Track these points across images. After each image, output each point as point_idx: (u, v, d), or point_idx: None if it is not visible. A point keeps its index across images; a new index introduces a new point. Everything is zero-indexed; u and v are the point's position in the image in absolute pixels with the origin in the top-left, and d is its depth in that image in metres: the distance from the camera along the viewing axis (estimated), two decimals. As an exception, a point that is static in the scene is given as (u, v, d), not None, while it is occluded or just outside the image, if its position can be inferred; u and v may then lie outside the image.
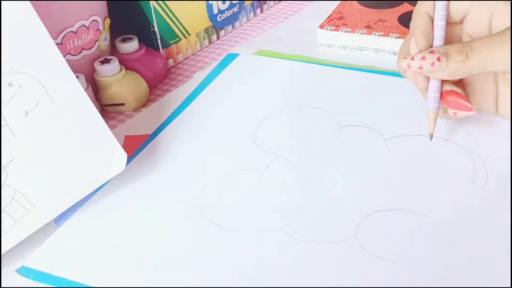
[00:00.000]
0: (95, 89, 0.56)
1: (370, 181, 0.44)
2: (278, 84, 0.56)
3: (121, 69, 0.56)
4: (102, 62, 0.55)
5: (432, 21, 0.45)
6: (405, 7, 0.63)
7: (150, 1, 0.58)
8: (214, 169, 0.47)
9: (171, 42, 0.62)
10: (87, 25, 0.55)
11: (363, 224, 0.41)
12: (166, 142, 0.51)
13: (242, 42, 0.66)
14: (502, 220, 0.39)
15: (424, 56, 0.43)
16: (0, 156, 0.42)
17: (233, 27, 0.69)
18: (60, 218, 0.44)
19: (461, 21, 0.45)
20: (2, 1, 0.42)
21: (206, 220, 0.42)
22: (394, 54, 0.59)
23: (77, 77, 0.45)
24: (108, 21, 0.58)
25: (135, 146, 0.51)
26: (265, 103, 0.54)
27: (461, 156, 0.45)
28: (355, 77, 0.56)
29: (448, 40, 0.45)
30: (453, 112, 0.45)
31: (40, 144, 0.43)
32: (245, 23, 0.70)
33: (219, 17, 0.66)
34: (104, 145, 0.45)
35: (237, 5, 0.68)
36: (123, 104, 0.56)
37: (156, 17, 0.60)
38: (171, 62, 0.63)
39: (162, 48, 0.61)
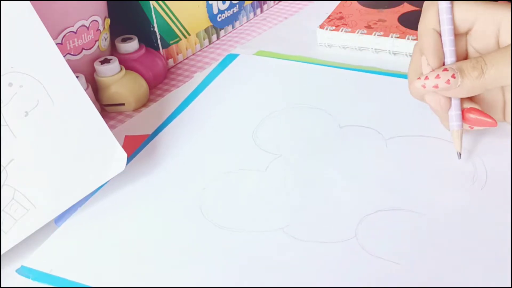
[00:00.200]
0: (95, 89, 0.56)
1: (370, 181, 0.44)
2: (278, 84, 0.56)
3: (121, 69, 0.56)
4: (102, 62, 0.55)
5: (440, 35, 0.44)
6: (405, 7, 0.63)
7: (150, 1, 0.58)
8: (214, 169, 0.47)
9: (171, 42, 0.62)
10: (87, 25, 0.55)
11: (363, 224, 0.41)
12: (166, 142, 0.51)
13: (242, 42, 0.66)
14: (502, 220, 0.39)
15: (438, 75, 0.42)
16: (0, 156, 0.42)
17: (233, 27, 0.69)
18: (60, 218, 0.44)
19: (466, 33, 0.44)
20: (2, 1, 0.42)
21: (206, 220, 0.42)
22: (394, 54, 0.59)
23: (77, 77, 0.45)
24: (108, 21, 0.58)
25: (135, 146, 0.51)
26: (265, 103, 0.54)
27: (461, 156, 0.45)
28: (355, 78, 0.56)
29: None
30: (470, 126, 0.44)
31: (40, 144, 0.43)
32: (245, 23, 0.70)
33: (219, 17, 0.66)
34: (104, 145, 0.45)
35: (237, 5, 0.68)
36: (123, 104, 0.56)
37: (156, 17, 0.60)
38: (171, 62, 0.63)
39: (162, 48, 0.61)
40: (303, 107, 0.52)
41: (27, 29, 0.43)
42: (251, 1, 0.70)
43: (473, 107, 0.43)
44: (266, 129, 0.51)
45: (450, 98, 0.43)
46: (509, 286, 0.36)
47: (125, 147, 0.48)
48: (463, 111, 0.44)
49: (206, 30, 0.65)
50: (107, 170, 0.45)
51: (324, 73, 0.57)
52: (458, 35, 0.44)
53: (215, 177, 0.46)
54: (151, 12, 0.59)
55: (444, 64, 0.43)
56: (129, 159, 0.48)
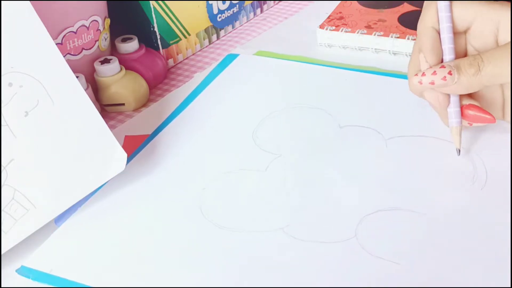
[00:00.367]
0: (95, 89, 0.56)
1: (370, 181, 0.44)
2: (278, 85, 0.56)
3: (121, 69, 0.56)
4: (102, 62, 0.55)
5: (439, 34, 0.44)
6: (405, 7, 0.63)
7: (150, 1, 0.58)
8: (214, 169, 0.47)
9: (171, 42, 0.62)
10: (87, 25, 0.55)
11: (363, 224, 0.41)
12: (166, 142, 0.51)
13: (242, 42, 0.66)
14: (502, 220, 0.40)
15: (435, 71, 0.42)
16: (0, 156, 0.42)
17: (233, 27, 0.69)
18: (60, 218, 0.44)
19: (465, 32, 0.45)
20: (2, 1, 0.42)
21: (206, 220, 0.42)
22: (394, 54, 0.59)
23: (77, 77, 0.45)
24: (108, 21, 0.58)
25: (135, 146, 0.51)
26: (265, 103, 0.54)
27: (461, 156, 0.45)
28: (355, 78, 0.56)
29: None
30: (469, 123, 0.44)
31: (40, 144, 0.43)
32: (245, 23, 0.70)
33: (219, 17, 0.66)
34: (104, 145, 0.45)
35: (237, 5, 0.68)
36: (123, 104, 0.56)
37: (156, 17, 0.60)
38: (171, 62, 0.63)
39: (162, 48, 0.61)
40: (303, 107, 0.52)
41: (27, 29, 0.43)
42: (251, 1, 0.70)
43: (472, 103, 0.44)
44: (266, 129, 0.51)
45: (448, 95, 0.44)
46: (509, 286, 0.36)
47: (125, 147, 0.48)
48: (462, 107, 0.44)
49: (206, 30, 0.65)
50: (107, 170, 0.45)
51: (324, 73, 0.57)
52: (457, 34, 0.44)
53: (215, 177, 0.46)
54: (151, 12, 0.59)
55: (442, 62, 0.44)
56: (129, 159, 0.48)
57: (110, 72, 0.55)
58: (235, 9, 0.68)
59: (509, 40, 0.42)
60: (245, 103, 0.54)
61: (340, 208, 0.42)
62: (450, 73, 0.42)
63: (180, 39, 0.63)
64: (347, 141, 0.48)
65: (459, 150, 0.44)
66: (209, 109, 0.54)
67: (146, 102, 0.58)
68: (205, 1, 0.64)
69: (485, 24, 0.43)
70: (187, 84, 0.59)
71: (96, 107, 0.46)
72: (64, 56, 0.46)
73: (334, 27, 0.61)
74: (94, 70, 0.56)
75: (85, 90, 0.47)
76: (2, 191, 0.42)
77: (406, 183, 0.43)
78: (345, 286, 0.37)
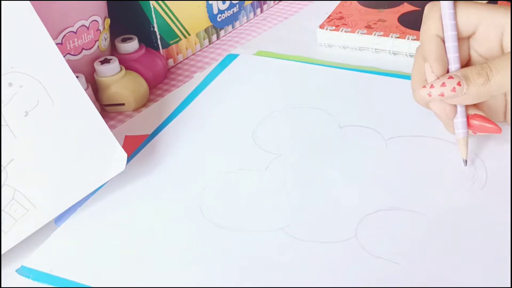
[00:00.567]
0: (95, 89, 0.56)
1: (370, 181, 0.44)
2: (278, 85, 0.56)
3: (121, 69, 0.56)
4: (102, 62, 0.55)
5: (443, 41, 0.43)
6: (405, 7, 0.63)
7: (150, 1, 0.58)
8: (214, 168, 0.47)
9: (171, 42, 0.62)
10: (87, 25, 0.55)
11: (363, 224, 0.41)
12: (165, 142, 0.51)
13: (242, 42, 0.66)
14: (502, 220, 0.39)
15: (444, 83, 0.41)
16: (0, 156, 0.42)
17: (233, 27, 0.69)
18: (60, 218, 0.44)
19: (469, 37, 0.44)
20: (2, 1, 0.42)
21: (206, 220, 0.42)
22: (394, 54, 0.59)
23: (77, 77, 0.45)
24: (108, 21, 0.58)
25: (135, 146, 0.51)
26: (265, 103, 0.54)
27: (461, 156, 0.45)
28: (355, 78, 0.56)
29: None
30: (473, 131, 0.44)
31: (40, 144, 0.43)
32: (245, 23, 0.70)
33: (219, 17, 0.66)
34: (104, 145, 0.45)
35: (237, 5, 0.68)
36: (123, 104, 0.56)
37: (156, 17, 0.60)
38: (171, 62, 0.63)
39: (162, 48, 0.61)
40: (303, 107, 0.52)
41: (27, 29, 0.43)
42: (251, 1, 0.70)
43: (478, 113, 0.43)
44: (266, 129, 0.51)
45: (455, 106, 0.43)
46: (509, 286, 0.36)
47: (125, 147, 0.48)
48: (468, 117, 0.43)
49: (206, 30, 0.65)
50: (107, 170, 0.45)
51: (324, 73, 0.57)
52: (461, 39, 0.43)
53: (215, 177, 0.46)
54: (151, 12, 0.59)
55: (448, 71, 0.43)
56: (129, 159, 0.48)
57: (110, 72, 0.55)
58: (235, 9, 0.68)
59: None
60: (245, 103, 0.54)
61: (340, 208, 0.42)
62: (459, 83, 0.41)
63: (180, 39, 0.63)
64: (347, 141, 0.48)
65: (466, 161, 0.44)
66: (209, 109, 0.54)
67: (146, 102, 0.58)
68: (205, 1, 0.64)
69: (490, 29, 0.42)
70: (187, 84, 0.59)
71: (96, 107, 0.46)
72: (64, 56, 0.46)
73: (334, 27, 0.61)
74: (94, 70, 0.56)
75: (85, 90, 0.47)
76: (2, 191, 0.42)
77: (406, 183, 0.43)
78: (345, 286, 0.37)
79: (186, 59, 0.64)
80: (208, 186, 0.45)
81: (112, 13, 0.59)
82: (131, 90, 0.56)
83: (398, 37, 0.58)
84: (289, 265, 0.39)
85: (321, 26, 0.62)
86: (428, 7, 0.44)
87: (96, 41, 0.56)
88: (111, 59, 0.55)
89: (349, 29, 0.60)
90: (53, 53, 0.44)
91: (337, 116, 0.51)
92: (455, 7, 0.42)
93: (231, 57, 0.61)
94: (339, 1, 0.66)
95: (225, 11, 0.67)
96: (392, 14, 0.62)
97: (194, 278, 0.39)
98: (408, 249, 0.38)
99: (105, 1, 0.57)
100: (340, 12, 0.64)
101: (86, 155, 0.45)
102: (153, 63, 0.59)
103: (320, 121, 0.51)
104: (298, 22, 0.68)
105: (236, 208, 0.43)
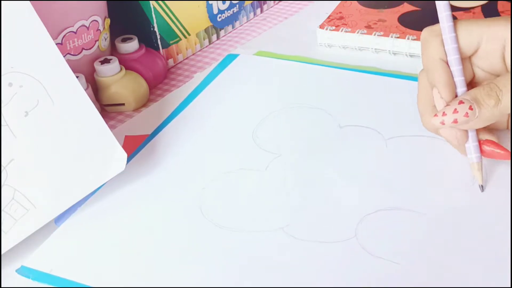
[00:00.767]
0: (95, 89, 0.56)
1: (370, 181, 0.44)
2: (278, 85, 0.56)
3: (121, 69, 0.56)
4: (102, 62, 0.55)
5: (447, 64, 0.42)
6: (405, 7, 0.63)
7: (150, 1, 0.58)
8: (214, 168, 0.47)
9: (171, 42, 0.62)
10: (87, 25, 0.55)
11: (363, 224, 0.41)
12: (165, 141, 0.51)
13: (242, 42, 0.66)
14: (502, 220, 0.39)
15: (455, 109, 0.40)
16: (0, 156, 0.42)
17: (233, 27, 0.69)
18: (60, 218, 0.44)
19: (471, 56, 0.43)
20: (2, 1, 0.42)
21: (206, 220, 0.43)
22: (394, 54, 0.59)
23: (77, 77, 0.45)
24: (108, 21, 0.58)
25: (135, 146, 0.51)
26: (265, 103, 0.54)
27: (461, 156, 0.45)
28: (355, 78, 0.56)
29: None
30: (484, 156, 0.43)
31: (40, 144, 0.43)
32: (245, 23, 0.70)
33: (219, 17, 0.66)
34: (104, 145, 0.45)
35: (237, 5, 0.68)
36: (123, 104, 0.56)
37: (156, 17, 0.60)
38: (171, 62, 0.63)
39: (162, 48, 0.61)
40: (303, 107, 0.52)
41: (27, 29, 0.43)
42: (251, 1, 0.70)
43: (489, 139, 0.42)
44: (266, 129, 0.51)
45: (466, 131, 0.42)
46: (509, 286, 0.36)
47: (125, 147, 0.48)
48: (479, 142, 0.42)
49: (206, 30, 0.65)
50: (107, 170, 0.45)
51: (324, 73, 0.57)
52: (464, 59, 0.43)
53: (215, 177, 0.46)
54: (151, 12, 0.59)
55: (456, 95, 0.42)
56: (129, 159, 0.48)
57: (110, 72, 0.55)
58: (235, 9, 0.68)
59: None
60: (245, 103, 0.54)
61: (340, 208, 0.42)
62: (471, 108, 0.40)
63: (180, 39, 0.63)
64: (347, 141, 0.48)
65: (483, 186, 0.42)
66: (209, 109, 0.54)
67: (146, 102, 0.58)
68: (205, 1, 0.64)
69: (492, 43, 0.42)
70: (187, 84, 0.59)
71: (96, 107, 0.46)
72: (64, 56, 0.46)
73: (334, 27, 0.61)
74: (94, 70, 0.56)
75: (85, 90, 0.47)
76: (2, 191, 0.42)
77: (406, 183, 0.43)
78: (345, 286, 0.37)
79: (186, 59, 0.64)
80: (208, 186, 0.45)
81: (112, 13, 0.59)
82: (131, 90, 0.56)
83: (398, 37, 0.58)
84: (289, 265, 0.39)
85: (321, 26, 0.62)
86: (426, 31, 0.43)
87: (96, 41, 0.56)
88: (111, 59, 0.55)
89: (349, 29, 0.60)
90: (53, 53, 0.44)
91: (337, 116, 0.51)
92: (455, 29, 0.42)
93: (231, 57, 0.61)
94: (339, 1, 0.66)
95: (225, 11, 0.67)
96: (392, 14, 0.62)
97: (194, 278, 0.39)
98: (408, 249, 0.38)
99: (105, 1, 0.57)
100: (340, 12, 0.64)
101: (86, 155, 0.45)
102: (153, 63, 0.59)
103: (320, 121, 0.51)
104: (298, 22, 0.68)
105: (236, 208, 0.43)
